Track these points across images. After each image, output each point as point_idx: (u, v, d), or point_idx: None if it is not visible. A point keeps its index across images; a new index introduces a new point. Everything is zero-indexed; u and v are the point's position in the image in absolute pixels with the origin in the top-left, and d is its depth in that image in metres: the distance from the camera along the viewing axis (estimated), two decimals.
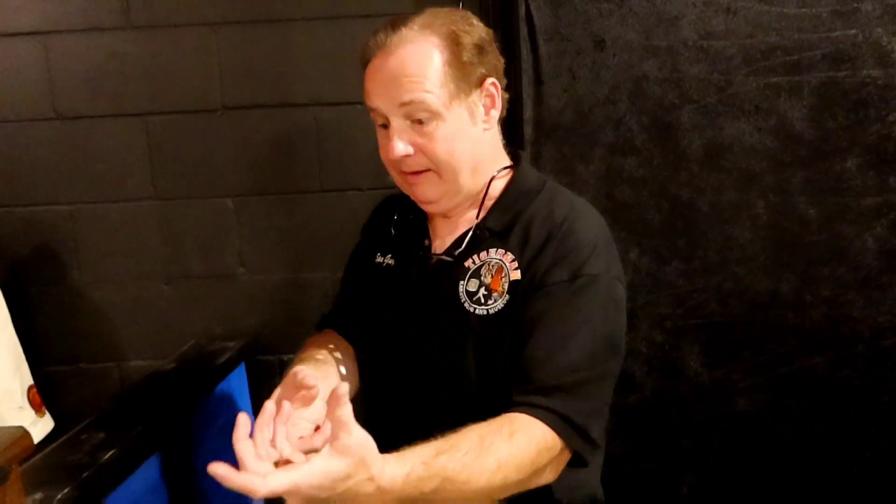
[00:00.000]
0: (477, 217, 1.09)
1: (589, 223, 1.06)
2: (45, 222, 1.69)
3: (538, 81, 1.57)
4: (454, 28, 1.02)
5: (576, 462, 0.99)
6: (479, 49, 1.04)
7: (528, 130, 1.59)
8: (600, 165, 1.60)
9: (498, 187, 1.10)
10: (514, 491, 0.94)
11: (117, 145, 1.67)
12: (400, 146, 1.02)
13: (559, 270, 1.01)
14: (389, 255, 1.16)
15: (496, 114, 1.08)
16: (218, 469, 0.74)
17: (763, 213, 1.59)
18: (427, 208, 1.11)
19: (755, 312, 1.62)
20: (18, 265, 1.68)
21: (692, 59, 1.56)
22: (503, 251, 1.05)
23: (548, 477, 0.97)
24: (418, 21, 1.03)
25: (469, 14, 1.08)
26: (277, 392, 0.95)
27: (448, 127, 1.02)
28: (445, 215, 1.12)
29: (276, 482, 0.74)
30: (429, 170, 1.04)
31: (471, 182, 1.08)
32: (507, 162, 1.13)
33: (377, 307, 1.15)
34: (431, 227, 1.14)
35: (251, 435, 0.83)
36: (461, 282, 1.06)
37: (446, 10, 1.06)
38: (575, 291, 1.00)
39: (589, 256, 1.02)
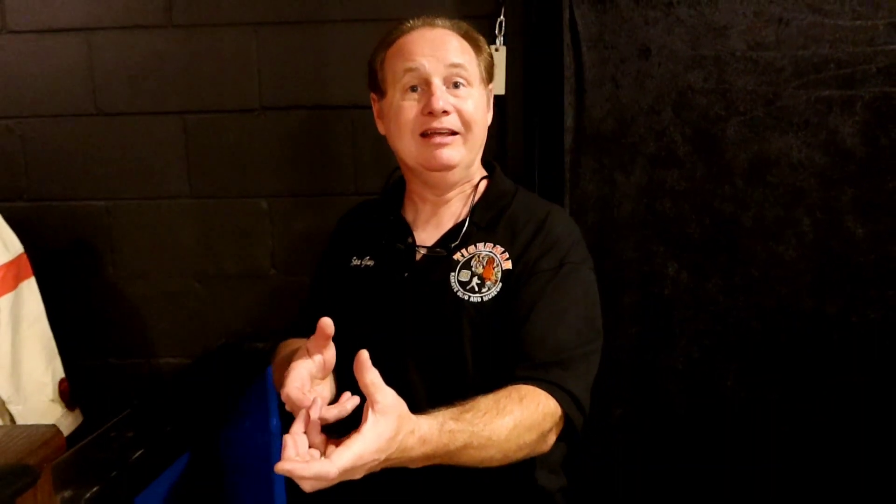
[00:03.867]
0: (467, 214, 1.18)
1: (566, 220, 1.22)
2: (82, 217, 1.70)
3: (580, 89, 1.54)
4: (476, 35, 1.19)
5: (566, 435, 1.06)
6: (491, 57, 1.21)
7: (567, 139, 1.56)
8: (641, 177, 1.56)
9: (480, 188, 1.22)
10: (525, 453, 1.00)
11: (155, 143, 1.67)
12: (444, 99, 1.11)
13: (547, 259, 1.13)
14: (368, 257, 1.20)
15: (490, 115, 1.21)
16: (285, 465, 0.77)
17: (809, 231, 1.55)
18: (442, 176, 1.16)
19: (798, 333, 1.57)
20: (55, 259, 1.69)
21: (740, 70, 1.51)
22: (491, 244, 1.15)
23: (549, 442, 1.04)
24: (449, 21, 1.18)
25: None
26: (306, 348, 0.99)
27: (477, 98, 1.15)
28: (435, 208, 1.19)
29: (342, 459, 0.78)
30: (456, 134, 1.13)
31: (475, 160, 1.19)
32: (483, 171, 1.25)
33: (359, 307, 1.16)
34: (413, 226, 1.20)
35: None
36: (452, 273, 1.13)
37: None
38: (562, 277, 1.12)
39: (570, 247, 1.15)
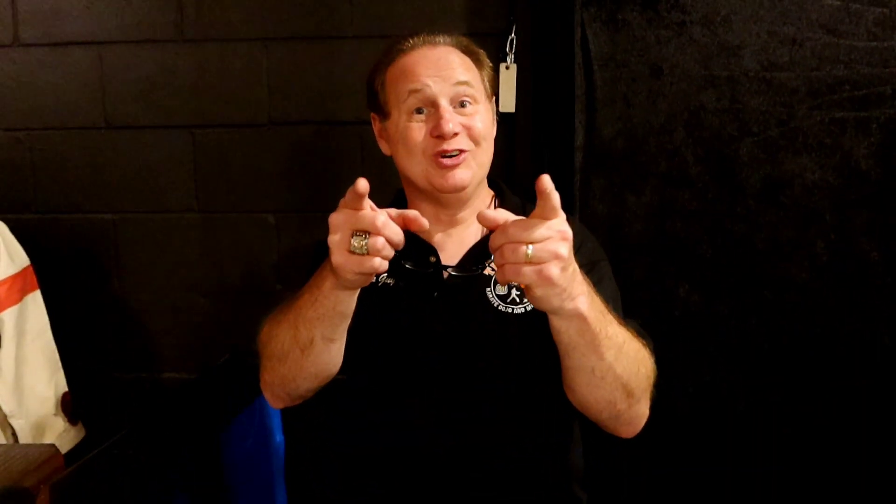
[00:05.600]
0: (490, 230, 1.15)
1: (579, 225, 1.23)
2: (89, 230, 1.70)
3: (591, 108, 1.53)
4: (477, 49, 1.17)
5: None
6: (493, 70, 1.19)
7: (577, 157, 1.54)
8: (652, 196, 1.55)
9: (494, 204, 1.22)
10: (638, 394, 1.00)
11: (163, 156, 1.67)
12: (453, 121, 1.08)
13: (579, 257, 1.11)
14: (385, 275, 1.14)
15: (495, 129, 1.19)
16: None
17: (822, 254, 1.52)
18: (453, 197, 1.14)
19: (811, 357, 1.54)
20: (61, 271, 1.68)
21: (753, 90, 1.50)
22: None
23: (645, 401, 1.03)
24: (448, 37, 1.16)
25: None
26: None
27: (484, 115, 1.13)
28: (448, 227, 1.17)
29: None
30: (466, 152, 1.10)
31: (485, 176, 1.16)
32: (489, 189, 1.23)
33: (385, 327, 1.12)
34: (434, 243, 1.16)
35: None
36: (488, 288, 1.10)
37: None
38: (597, 273, 1.13)
39: (592, 248, 1.19)
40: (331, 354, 1.02)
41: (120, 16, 1.63)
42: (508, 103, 1.54)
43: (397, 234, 0.87)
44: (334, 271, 0.90)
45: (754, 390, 1.56)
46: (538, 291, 0.84)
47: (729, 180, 1.53)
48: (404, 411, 1.10)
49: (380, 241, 0.86)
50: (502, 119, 1.54)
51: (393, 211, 0.89)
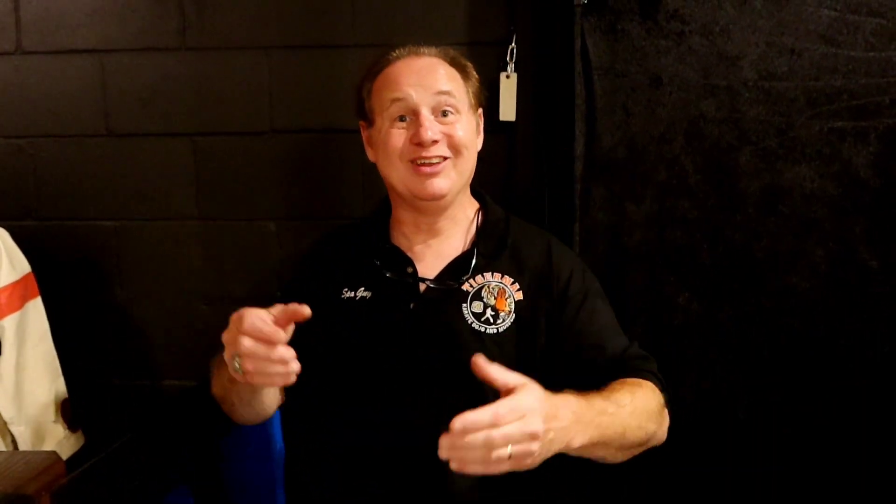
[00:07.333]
0: (472, 244, 1.19)
1: (565, 248, 1.27)
2: (90, 237, 1.70)
3: (591, 117, 1.54)
4: (464, 62, 1.20)
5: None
6: (480, 83, 1.22)
7: (578, 167, 1.55)
8: (652, 205, 1.55)
9: (476, 218, 1.23)
10: (647, 443, 1.03)
11: (165, 164, 1.67)
12: (432, 129, 1.10)
13: (572, 286, 1.16)
14: (362, 288, 1.16)
15: (480, 141, 1.22)
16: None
17: (822, 262, 1.53)
18: (432, 205, 1.15)
19: (810, 365, 1.54)
20: (62, 278, 1.68)
21: (752, 99, 1.51)
22: (499, 275, 1.15)
23: (664, 429, 1.07)
24: (435, 49, 1.19)
25: None
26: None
27: (466, 124, 1.15)
28: (429, 237, 1.19)
29: (497, 405, 0.80)
30: (446, 159, 1.12)
31: (465, 186, 1.19)
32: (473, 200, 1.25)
33: (360, 340, 1.14)
34: (412, 256, 1.18)
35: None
36: (464, 304, 1.12)
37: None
38: (592, 301, 1.17)
39: (583, 272, 1.21)
40: (254, 408, 1.08)
41: (122, 24, 1.64)
42: (509, 112, 1.55)
43: (263, 351, 0.88)
44: None
45: (754, 397, 1.56)
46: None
47: (728, 189, 1.53)
48: (375, 412, 1.11)
49: (248, 365, 0.89)
50: (502, 128, 1.55)
51: (278, 309, 0.91)
